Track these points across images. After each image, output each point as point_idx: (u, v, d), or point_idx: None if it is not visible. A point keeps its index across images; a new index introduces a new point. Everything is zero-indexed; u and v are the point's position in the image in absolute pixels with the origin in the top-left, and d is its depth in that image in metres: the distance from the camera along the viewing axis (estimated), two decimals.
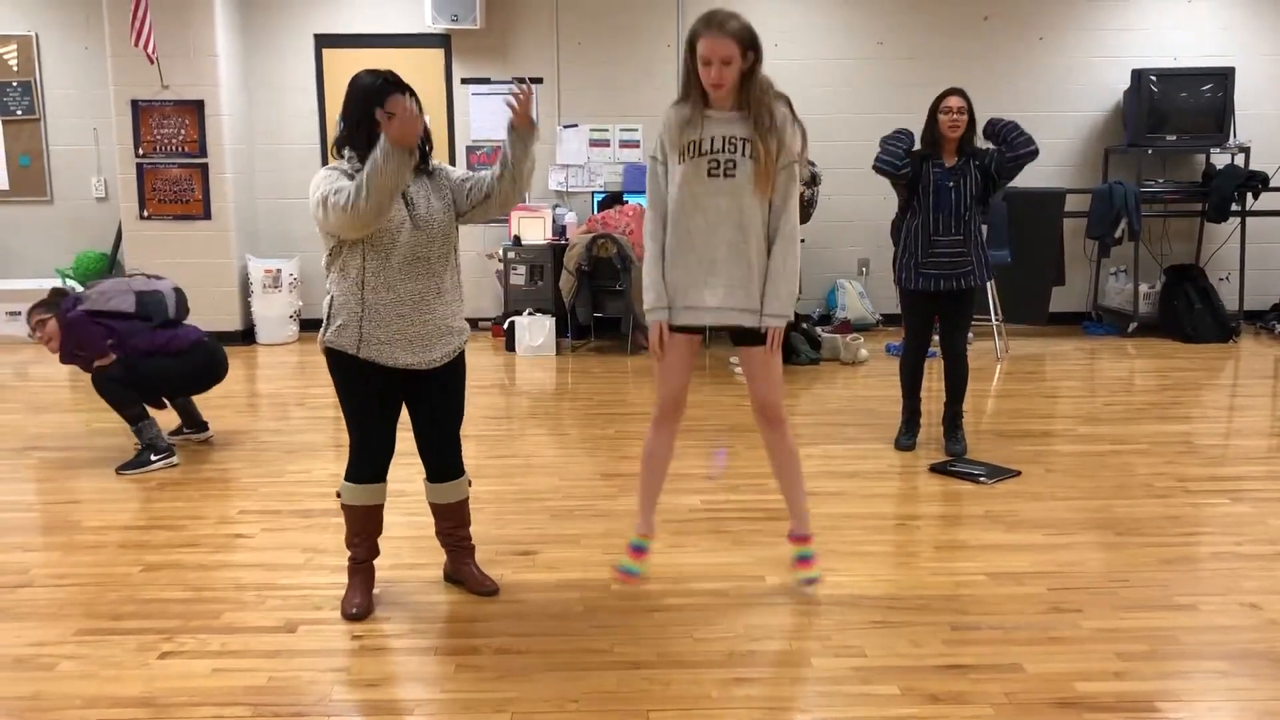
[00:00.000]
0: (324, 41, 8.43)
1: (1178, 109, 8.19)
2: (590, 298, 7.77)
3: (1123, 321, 8.40)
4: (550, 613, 3.45)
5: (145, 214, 8.05)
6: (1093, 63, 8.55)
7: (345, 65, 8.44)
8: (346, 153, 3.26)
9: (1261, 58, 8.52)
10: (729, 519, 4.28)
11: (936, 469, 4.94)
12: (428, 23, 8.11)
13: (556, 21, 8.40)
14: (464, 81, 8.47)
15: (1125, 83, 8.37)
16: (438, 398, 3.43)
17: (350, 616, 3.41)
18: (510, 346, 7.83)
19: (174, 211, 8.09)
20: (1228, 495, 4.58)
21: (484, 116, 8.50)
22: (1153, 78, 8.19)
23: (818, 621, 3.37)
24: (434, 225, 3.28)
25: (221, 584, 3.71)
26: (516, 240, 8.16)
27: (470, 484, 3.64)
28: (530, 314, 7.83)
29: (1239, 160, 8.25)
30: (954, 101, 4.95)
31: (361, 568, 3.53)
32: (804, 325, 7.59)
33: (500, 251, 8.24)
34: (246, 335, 8.29)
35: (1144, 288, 8.43)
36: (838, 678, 3.02)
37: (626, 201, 8.15)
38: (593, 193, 8.52)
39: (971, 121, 4.99)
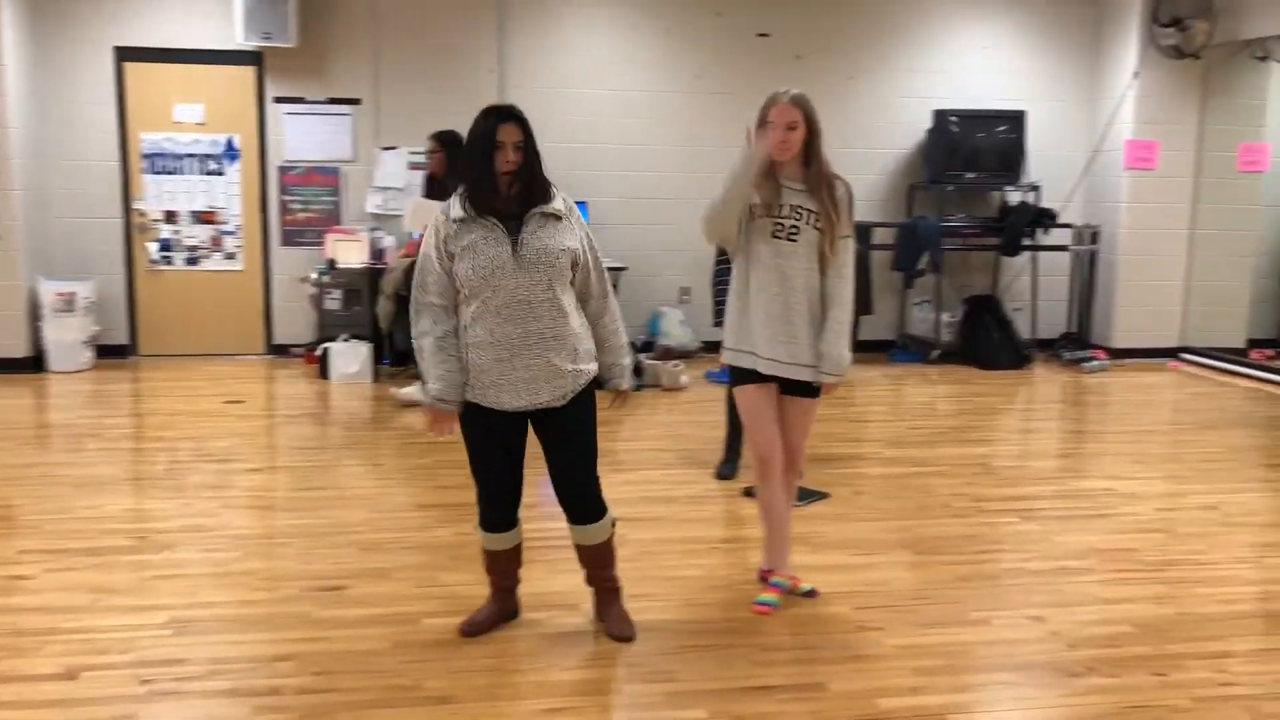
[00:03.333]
0: (125, 55, 8.02)
1: (975, 148, 8.66)
2: (408, 323, 7.61)
3: (926, 349, 8.80)
4: (357, 649, 3.34)
5: None
6: (899, 102, 8.97)
7: (149, 79, 8.07)
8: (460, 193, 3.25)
9: (1049, 102, 9.11)
10: (547, 548, 4.24)
11: (750, 493, 5.04)
12: (239, 39, 7.83)
13: (376, 42, 8.25)
14: (277, 100, 8.22)
15: (928, 122, 8.81)
16: (556, 439, 3.34)
17: (464, 633, 3.45)
18: (324, 374, 7.59)
19: None
20: (1019, 514, 4.84)
21: (299, 136, 8.25)
22: (953, 118, 8.65)
23: (630, 648, 3.38)
24: (539, 267, 3.17)
25: None
26: (331, 264, 7.94)
27: (614, 524, 3.50)
28: (345, 340, 7.62)
29: (1031, 198, 8.79)
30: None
31: (498, 593, 3.54)
32: None
33: (314, 275, 8.00)
34: (35, 362, 7.77)
35: (945, 317, 8.86)
36: (648, 703, 3.03)
37: None
38: None
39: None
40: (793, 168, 3.55)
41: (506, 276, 3.15)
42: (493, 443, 3.32)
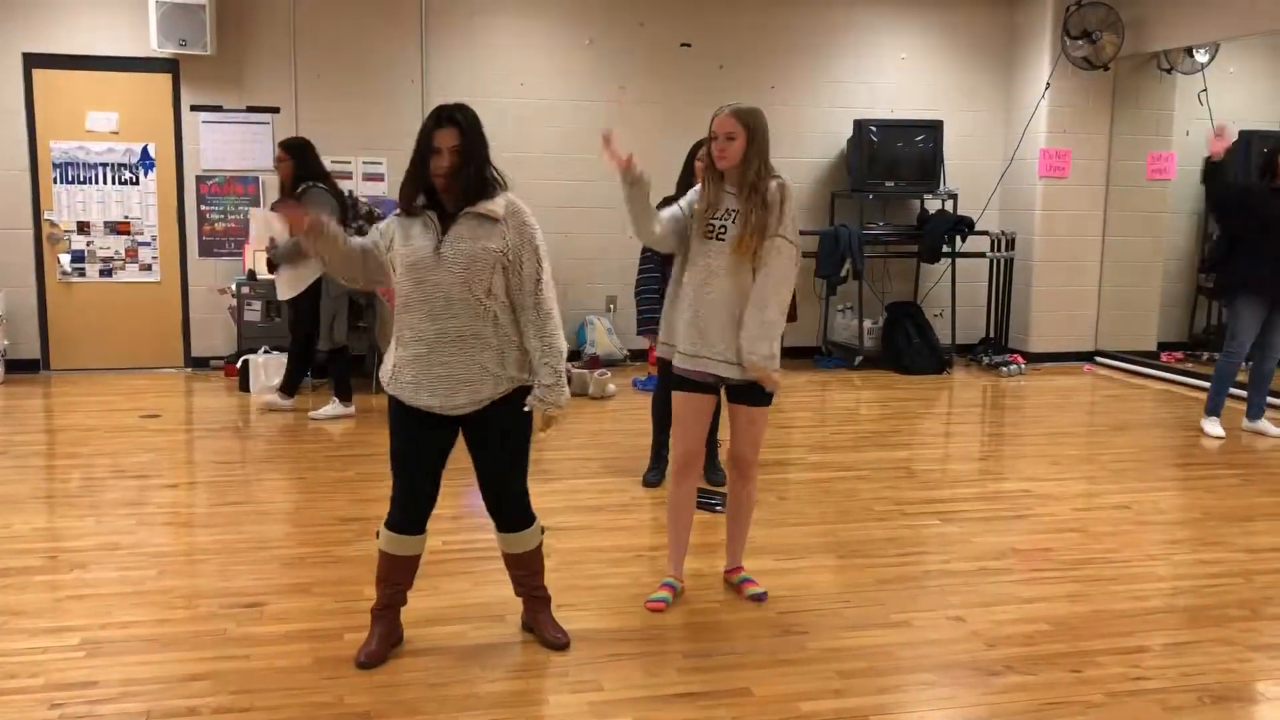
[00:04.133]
0: (35, 61, 7.81)
1: (895, 157, 8.82)
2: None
3: (850, 355, 8.91)
4: (277, 666, 3.28)
5: None
6: (820, 112, 9.09)
7: (60, 87, 7.87)
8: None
9: (965, 113, 9.31)
10: (472, 559, 4.22)
11: None
12: (153, 46, 7.67)
13: (294, 51, 8.14)
14: (194, 108, 8.06)
15: (849, 131, 8.94)
16: (485, 443, 3.29)
17: (360, 665, 3.28)
18: (244, 386, 7.45)
19: None
20: (939, 516, 4.92)
21: (216, 145, 8.10)
22: (872, 128, 8.79)
23: (556, 657, 3.37)
24: (460, 265, 3.12)
25: None
26: (251, 275, 7.80)
27: (543, 532, 3.48)
28: (266, 352, 7.49)
29: (949, 206, 8.96)
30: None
31: (382, 615, 3.38)
32: None
33: (233, 287, 7.86)
34: None
35: (868, 323, 8.99)
36: (573, 713, 3.02)
37: None
38: None
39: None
40: (734, 175, 3.63)
41: (427, 271, 3.15)
42: (408, 438, 3.27)
